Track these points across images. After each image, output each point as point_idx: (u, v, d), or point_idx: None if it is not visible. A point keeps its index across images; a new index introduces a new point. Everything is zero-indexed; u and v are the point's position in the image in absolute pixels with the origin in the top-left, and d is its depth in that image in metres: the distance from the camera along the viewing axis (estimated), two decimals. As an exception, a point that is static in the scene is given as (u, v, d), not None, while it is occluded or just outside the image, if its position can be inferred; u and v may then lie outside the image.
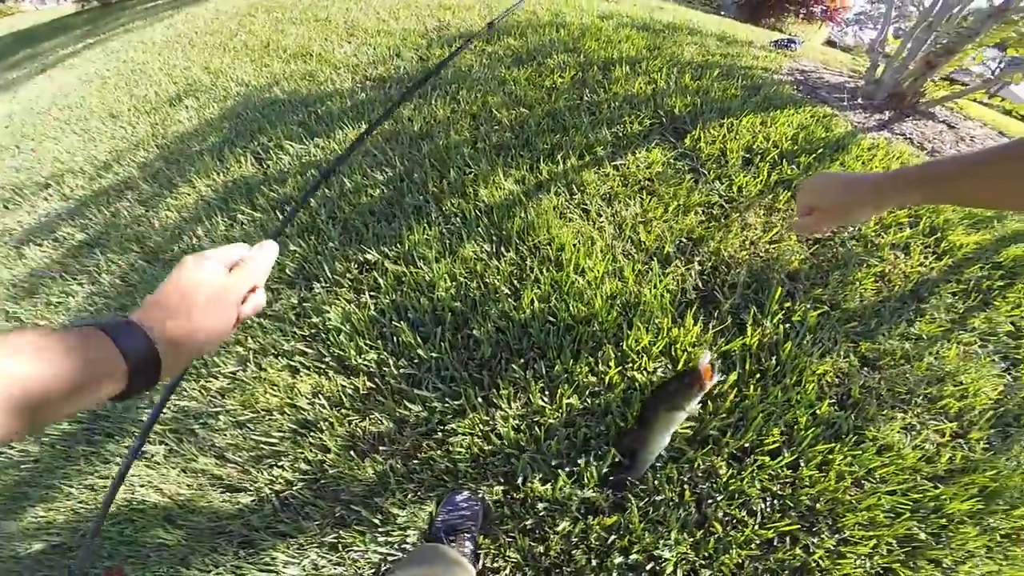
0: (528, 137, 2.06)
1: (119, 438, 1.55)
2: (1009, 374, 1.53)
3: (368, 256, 1.74)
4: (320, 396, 1.46)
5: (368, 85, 2.74)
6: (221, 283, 0.46)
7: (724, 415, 1.34)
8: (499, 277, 1.61)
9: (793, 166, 1.98)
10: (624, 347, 1.43)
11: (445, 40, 3.15)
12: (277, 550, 1.24)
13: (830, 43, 10.32)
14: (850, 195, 0.69)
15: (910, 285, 1.69)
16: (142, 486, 1.41)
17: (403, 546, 1.23)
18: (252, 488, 1.35)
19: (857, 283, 1.65)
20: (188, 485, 1.39)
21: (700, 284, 1.59)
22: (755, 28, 6.10)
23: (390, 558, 1.22)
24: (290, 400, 1.46)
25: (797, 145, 2.11)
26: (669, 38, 3.32)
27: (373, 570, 1.21)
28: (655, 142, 2.02)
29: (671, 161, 1.95)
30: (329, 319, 1.60)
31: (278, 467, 1.37)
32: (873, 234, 1.82)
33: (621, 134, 2.06)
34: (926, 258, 1.79)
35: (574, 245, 1.64)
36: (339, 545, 1.24)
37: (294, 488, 1.32)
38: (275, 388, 1.49)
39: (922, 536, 1.22)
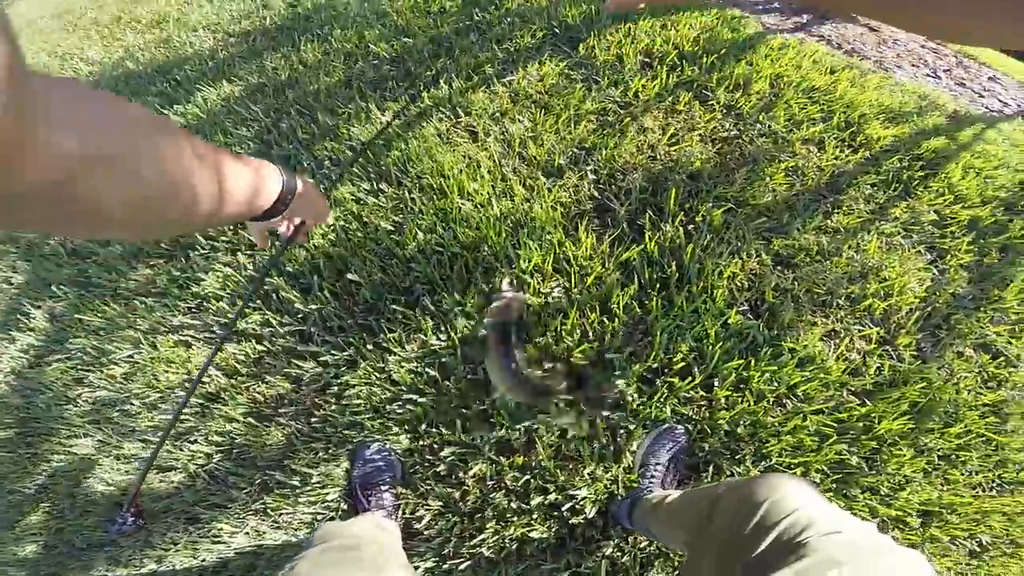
0: (409, 68, 1.86)
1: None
2: (935, 267, 1.48)
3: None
4: (215, 368, 1.38)
5: (231, 42, 2.45)
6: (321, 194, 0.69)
7: (622, 335, 1.24)
8: (379, 214, 1.45)
9: (694, 67, 1.86)
10: (516, 268, 1.30)
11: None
12: (219, 522, 1.26)
13: None
14: None
15: (825, 178, 1.61)
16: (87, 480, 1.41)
17: (326, 503, 1.23)
18: (180, 466, 1.34)
19: (767, 178, 1.56)
20: (125, 472, 1.39)
21: (595, 194, 1.47)
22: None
23: (320, 516, 1.23)
24: (188, 375, 1.41)
25: (699, 47, 1.98)
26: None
27: (308, 528, 1.22)
28: (548, 54, 1.85)
29: (565, 72, 1.80)
30: (208, 288, 1.48)
31: (194, 443, 1.34)
32: (784, 130, 1.72)
33: (512, 49, 1.88)
34: (842, 151, 1.70)
35: (459, 169, 1.49)
36: (268, 510, 1.24)
37: (214, 461, 1.32)
38: (172, 365, 1.43)
39: (853, 461, 1.15)
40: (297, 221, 0.69)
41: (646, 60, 1.88)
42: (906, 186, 1.64)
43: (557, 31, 1.96)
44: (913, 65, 2.80)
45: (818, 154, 1.68)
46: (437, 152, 1.57)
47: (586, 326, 1.29)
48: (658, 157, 1.56)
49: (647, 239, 1.37)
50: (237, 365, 1.38)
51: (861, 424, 1.19)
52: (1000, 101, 2.73)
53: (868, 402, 1.23)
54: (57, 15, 3.96)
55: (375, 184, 1.52)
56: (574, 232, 1.40)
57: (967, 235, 1.54)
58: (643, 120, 1.66)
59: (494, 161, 1.56)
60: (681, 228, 1.41)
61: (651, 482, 1.08)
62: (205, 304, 1.49)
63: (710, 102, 1.78)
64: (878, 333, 1.32)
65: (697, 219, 1.42)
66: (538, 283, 1.31)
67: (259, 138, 1.81)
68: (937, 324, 1.38)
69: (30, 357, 1.63)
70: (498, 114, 1.66)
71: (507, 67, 1.81)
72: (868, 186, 1.62)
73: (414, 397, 1.23)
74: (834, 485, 1.14)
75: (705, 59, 1.90)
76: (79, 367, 1.53)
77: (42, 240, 1.87)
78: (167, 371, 1.43)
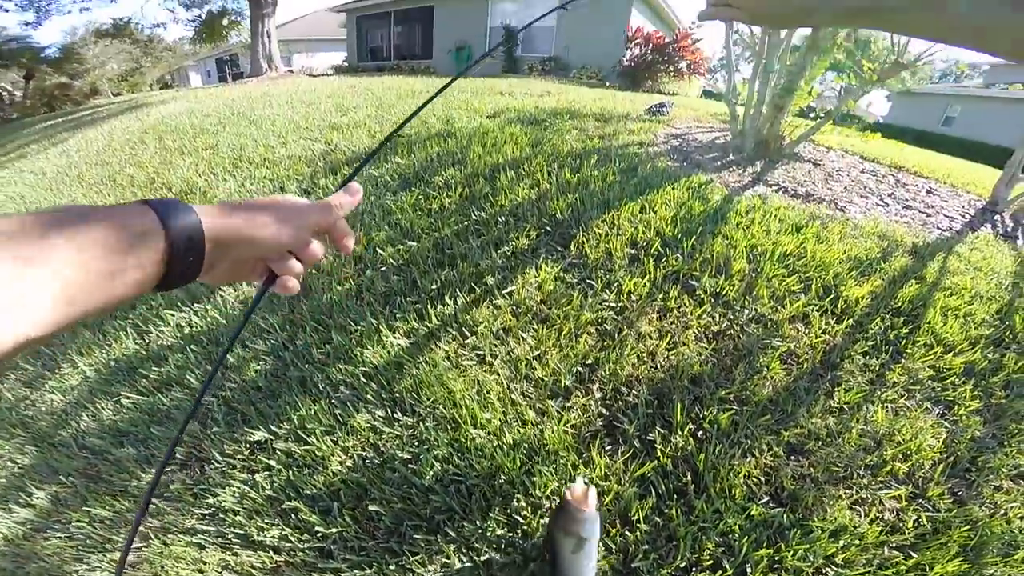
0: (415, 278, 2.01)
1: None
2: (945, 418, 1.53)
3: (257, 436, 1.60)
4: (228, 571, 1.34)
5: None
6: (296, 200, 0.46)
7: (647, 544, 1.26)
8: (395, 444, 1.50)
9: (677, 255, 2.03)
10: (534, 494, 1.34)
11: (331, 166, 3.15)
12: None
13: (706, 93, 11.42)
14: None
15: (818, 356, 1.69)
16: None
17: None
18: None
19: (764, 370, 1.64)
20: None
21: (603, 411, 1.54)
22: (636, 95, 6.62)
23: None
24: (201, 573, 1.35)
25: (678, 228, 2.18)
26: (551, 128, 3.49)
27: None
28: (543, 256, 2.02)
29: (560, 276, 1.95)
30: (224, 502, 1.48)
31: None
32: (770, 311, 1.85)
33: (509, 254, 2.06)
34: (827, 323, 1.81)
35: (470, 397, 1.57)
36: None
37: None
38: (183, 562, 1.38)
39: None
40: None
41: (632, 252, 2.05)
42: (895, 347, 1.73)
43: (548, 228, 2.15)
44: (861, 196, 3.08)
45: (806, 331, 1.78)
46: (448, 378, 1.64)
47: (607, 541, 1.30)
48: (659, 365, 1.65)
49: (659, 453, 1.42)
50: (253, 572, 1.34)
51: (912, 575, 1.17)
52: (946, 216, 2.99)
53: (914, 554, 1.21)
54: (100, 163, 4.24)
55: (390, 412, 1.58)
56: (587, 453, 1.45)
57: (967, 382, 1.60)
58: (639, 325, 1.77)
59: (503, 386, 1.62)
60: (691, 437, 1.46)
61: None
62: (221, 515, 1.48)
63: (697, 292, 1.90)
64: (907, 491, 1.33)
65: (705, 425, 1.48)
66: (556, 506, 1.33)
67: (275, 354, 1.89)
68: (965, 468, 1.39)
69: (27, 529, 1.58)
70: (502, 331, 1.76)
71: (507, 275, 1.96)
72: (860, 355, 1.69)
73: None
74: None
75: (685, 243, 2.09)
76: (80, 547, 1.48)
77: (53, 430, 1.87)
78: (176, 567, 1.38)
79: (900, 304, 1.91)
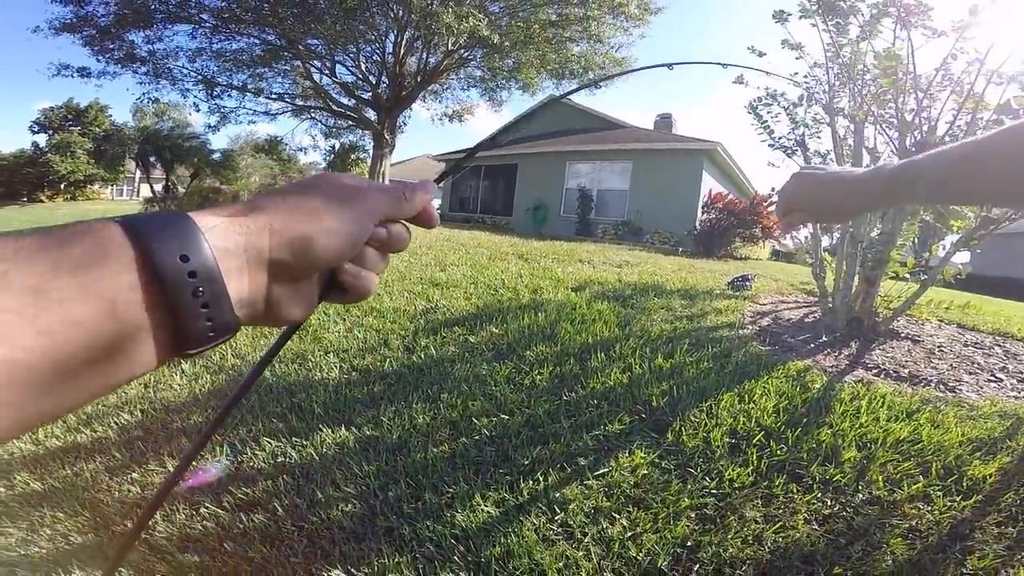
0: (507, 451, 2.06)
1: None
2: None
3: (333, 574, 1.58)
4: None
5: (354, 377, 2.88)
6: (358, 181, 0.33)
7: None
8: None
9: (782, 445, 1.95)
10: None
11: (432, 327, 3.46)
12: None
13: (775, 253, 11.50)
14: (824, 195, 0.67)
15: (945, 530, 1.56)
16: None
17: None
18: None
19: (884, 546, 1.50)
20: None
21: None
22: (713, 264, 6.90)
23: None
24: None
25: (780, 418, 2.11)
26: (638, 306, 3.68)
27: None
28: (636, 442, 2.01)
29: (655, 462, 1.91)
30: None
31: None
32: (886, 494, 1.72)
33: (602, 437, 2.07)
34: (952, 500, 1.68)
35: (558, 572, 1.49)
36: None
37: None
38: None
39: None
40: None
41: (732, 442, 1.99)
42: None
43: (643, 415, 2.17)
44: (970, 373, 2.82)
45: (928, 509, 1.65)
46: (536, 551, 1.59)
47: None
48: (766, 547, 1.52)
49: None
50: None
51: None
52: None
53: None
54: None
55: (474, 575, 1.53)
56: None
57: None
58: (744, 511, 1.67)
59: (593, 563, 1.55)
60: None
61: None
62: None
63: (804, 480, 1.80)
64: None
65: None
66: None
67: (364, 499, 1.92)
68: None
69: None
70: (593, 511, 1.72)
71: (599, 458, 1.96)
72: (993, 526, 1.56)
73: None
74: None
75: (790, 433, 2.00)
76: None
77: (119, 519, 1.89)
78: None
79: None
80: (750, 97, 3.68)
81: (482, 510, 1.80)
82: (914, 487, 1.73)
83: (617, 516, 1.71)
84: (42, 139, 38.51)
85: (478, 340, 3.13)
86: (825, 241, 4.05)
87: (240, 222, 0.26)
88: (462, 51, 15.91)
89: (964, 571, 1.42)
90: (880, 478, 1.78)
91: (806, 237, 3.90)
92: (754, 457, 1.89)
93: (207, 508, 1.98)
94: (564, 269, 5.44)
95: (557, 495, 1.81)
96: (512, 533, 1.68)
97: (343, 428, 2.42)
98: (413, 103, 17.35)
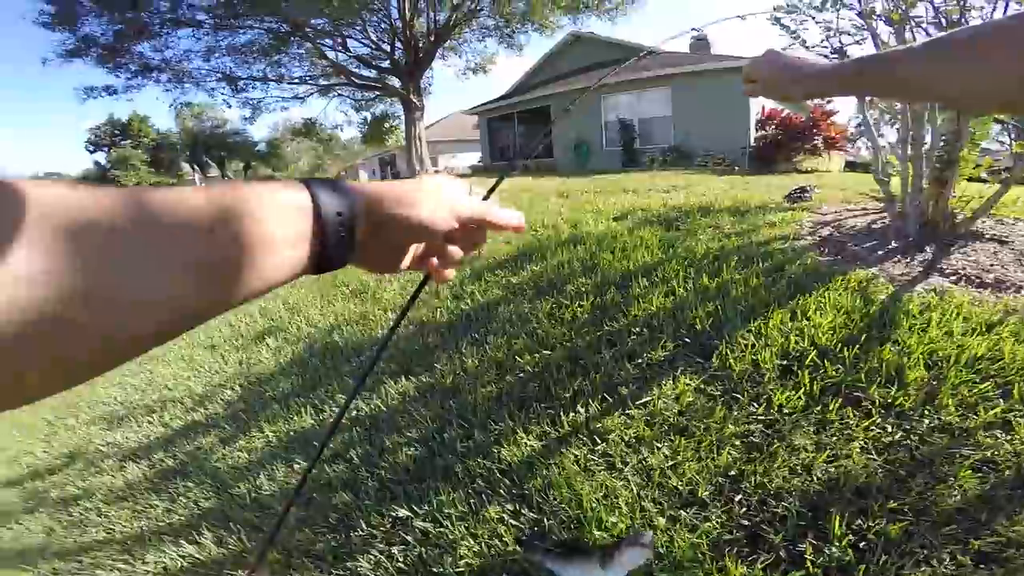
0: (549, 385, 2.10)
1: None
2: None
3: (400, 513, 1.75)
4: None
5: (410, 331, 3.02)
6: (444, 182, 0.44)
7: None
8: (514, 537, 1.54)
9: (838, 366, 1.84)
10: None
11: (476, 273, 3.50)
12: None
13: (849, 164, 10.53)
14: (774, 76, 0.72)
15: None
16: None
17: None
18: None
19: (951, 479, 1.40)
20: None
21: (744, 523, 1.41)
22: (771, 179, 6.37)
23: None
24: None
25: (836, 336, 1.99)
26: (683, 228, 3.51)
27: None
28: (680, 368, 1.98)
29: (700, 388, 1.88)
30: (361, 567, 1.61)
31: None
32: (958, 420, 1.57)
33: (644, 365, 2.05)
34: None
35: (596, 501, 1.56)
36: None
37: None
38: None
39: None
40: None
41: (784, 363, 1.91)
42: None
43: (687, 339, 2.12)
44: None
45: (1007, 438, 1.49)
46: (576, 482, 1.65)
47: None
48: (815, 477, 1.48)
49: (809, 563, 1.25)
50: None
51: None
52: None
53: None
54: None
55: (518, 507, 1.63)
56: (721, 560, 1.32)
57: None
58: (792, 438, 1.63)
59: (632, 492, 1.59)
60: (850, 548, 1.26)
61: None
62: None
63: (863, 404, 1.70)
64: None
65: (869, 536, 1.28)
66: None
67: (425, 443, 2.08)
68: None
69: (186, 563, 1.86)
70: (635, 440, 1.74)
71: (641, 386, 1.95)
72: None
73: None
74: None
75: (847, 352, 1.89)
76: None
77: (235, 482, 2.16)
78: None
79: None
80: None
81: (526, 444, 1.87)
82: (991, 412, 1.55)
83: (659, 445, 1.72)
84: (100, 156, 41.16)
85: (520, 280, 3.14)
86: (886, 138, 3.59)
87: (366, 195, 0.37)
88: (468, 2, 15.26)
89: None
90: (951, 402, 1.61)
91: (886, 146, 3.50)
92: (806, 379, 1.81)
93: (299, 463, 2.21)
94: (606, 200, 5.25)
95: (598, 426, 1.84)
96: (554, 465, 1.75)
97: (403, 378, 2.57)
98: (432, 63, 16.89)
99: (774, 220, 3.48)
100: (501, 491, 1.72)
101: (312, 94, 18.33)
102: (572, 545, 1.38)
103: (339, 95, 19.07)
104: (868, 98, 3.33)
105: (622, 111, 14.71)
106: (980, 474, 1.41)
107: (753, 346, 2.00)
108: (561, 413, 1.92)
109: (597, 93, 14.58)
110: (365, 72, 17.55)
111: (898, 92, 0.70)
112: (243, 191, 0.30)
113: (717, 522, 1.44)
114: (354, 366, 2.89)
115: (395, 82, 17.13)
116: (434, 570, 1.55)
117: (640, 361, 2.07)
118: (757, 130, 11.23)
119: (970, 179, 3.02)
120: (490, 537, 1.59)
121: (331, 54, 16.80)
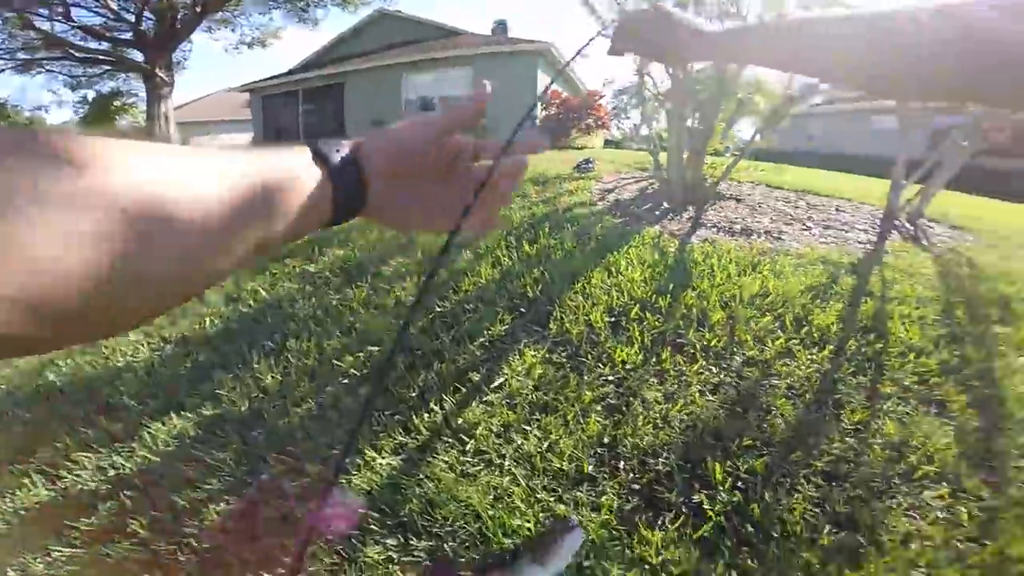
0: (388, 387, 1.77)
1: None
2: (943, 416, 1.56)
3: None
4: None
5: (169, 352, 2.27)
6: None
7: None
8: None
9: (658, 316, 1.97)
10: None
11: (254, 268, 2.84)
12: None
13: (607, 142, 12.38)
14: (679, 34, 0.67)
15: (815, 385, 1.67)
16: None
17: None
18: None
19: (773, 409, 1.58)
20: None
21: (635, 486, 1.39)
22: (556, 153, 6.94)
23: None
24: None
25: (649, 288, 2.13)
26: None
27: None
28: (523, 341, 1.87)
29: (547, 358, 1.80)
30: None
31: None
32: (757, 353, 1.80)
33: (487, 344, 1.88)
34: (810, 352, 1.79)
35: (490, 507, 1.35)
36: None
37: None
38: None
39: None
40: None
41: (612, 320, 1.95)
42: (876, 362, 1.76)
43: (522, 309, 2.02)
44: (787, 224, 3.27)
45: (795, 365, 1.77)
46: (459, 491, 1.40)
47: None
48: (676, 428, 1.54)
49: (710, 513, 1.30)
50: None
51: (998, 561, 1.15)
52: (860, 231, 3.24)
53: (988, 541, 1.20)
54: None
55: (402, 539, 1.31)
56: (636, 532, 1.27)
57: (946, 380, 1.66)
58: (643, 393, 1.66)
59: (522, 486, 1.42)
60: (735, 491, 1.35)
61: None
62: None
63: (686, 349, 1.84)
64: (947, 489, 1.33)
65: (743, 475, 1.38)
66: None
67: (235, 491, 1.54)
68: (983, 457, 1.42)
69: None
70: (503, 429, 1.57)
71: (491, 367, 1.78)
72: (850, 376, 1.71)
73: None
74: None
75: (662, 301, 2.03)
76: None
77: None
78: None
79: (865, 322, 1.97)
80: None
81: (381, 464, 1.52)
82: (777, 343, 1.83)
83: (528, 428, 1.58)
84: None
85: (320, 268, 2.64)
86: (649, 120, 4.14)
87: (363, 148, 0.36)
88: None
89: (845, 426, 1.53)
90: (748, 337, 1.86)
91: (633, 127, 4.00)
92: (636, 333, 1.88)
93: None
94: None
95: (460, 422, 1.61)
96: (425, 480, 1.45)
97: (174, 416, 1.87)
98: (191, 35, 14.17)
99: (571, 188, 3.69)
100: (372, 526, 1.36)
101: (3, 71, 14.05)
102: (494, 558, 1.15)
103: (48, 71, 15.18)
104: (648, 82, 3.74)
105: (423, 89, 14.43)
106: (790, 401, 1.62)
107: (583, 307, 2.01)
108: (413, 416, 1.62)
109: (397, 71, 14.07)
110: (94, 44, 14.03)
111: (798, 69, 0.68)
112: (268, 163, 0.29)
113: (613, 494, 1.38)
114: (89, 410, 2.02)
115: (137, 56, 13.94)
116: None
117: (482, 339, 1.89)
118: (543, 109, 12.18)
119: (715, 153, 3.68)
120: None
121: (46, 25, 13.07)
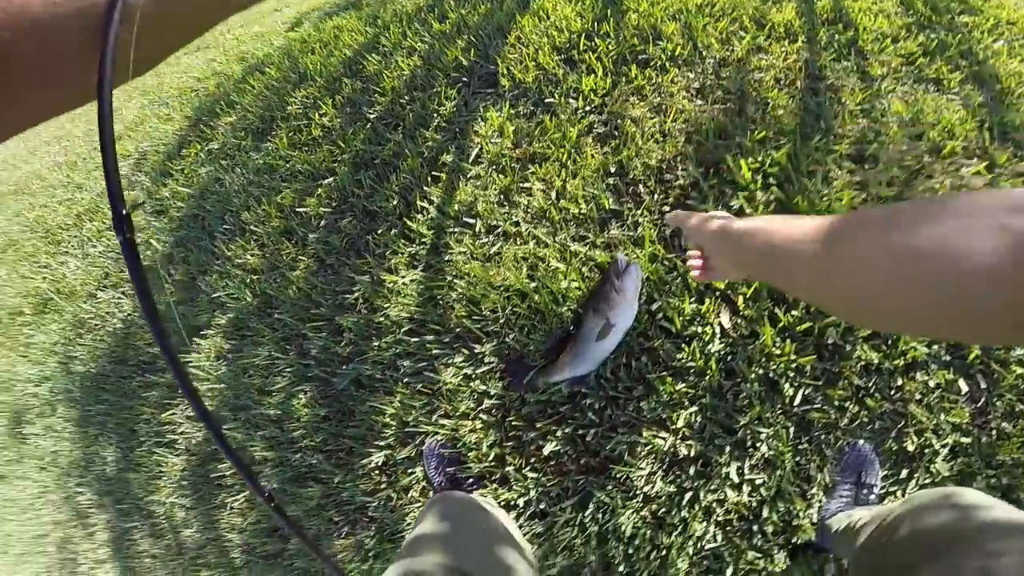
0: (364, 206, 1.62)
1: None
2: (943, 92, 1.52)
3: None
4: None
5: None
6: None
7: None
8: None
9: (608, 41, 1.78)
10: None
11: (159, 170, 2.41)
12: None
13: None
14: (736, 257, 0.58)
15: (802, 72, 1.59)
16: None
17: None
18: None
19: (769, 101, 1.52)
20: None
21: (666, 207, 1.38)
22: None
23: None
24: None
25: (588, 19, 1.91)
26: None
27: None
28: (480, 105, 1.69)
29: (513, 114, 1.66)
30: None
31: None
32: (727, 54, 1.68)
33: (444, 125, 1.70)
34: (783, 46, 1.68)
35: (530, 279, 1.34)
36: None
37: None
38: None
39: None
40: None
41: (565, 57, 1.78)
42: (854, 47, 1.68)
43: (464, 79, 1.80)
44: None
45: (771, 59, 1.68)
46: (490, 277, 1.37)
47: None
48: (679, 138, 1.48)
49: (753, 213, 1.30)
50: None
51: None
52: None
53: None
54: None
55: (466, 352, 1.34)
56: (666, 261, 1.31)
57: (933, 59, 1.62)
58: (631, 113, 1.57)
59: (550, 246, 1.39)
60: (773, 188, 1.35)
61: (841, 502, 1.06)
62: None
63: (653, 63, 1.70)
64: (983, 165, 1.33)
65: (770, 170, 1.37)
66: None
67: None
68: (1002, 131, 1.40)
69: None
70: (501, 196, 1.49)
71: (459, 145, 1.63)
72: (833, 62, 1.64)
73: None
74: None
75: (606, 27, 1.84)
76: None
77: None
78: None
79: (825, 15, 1.81)
80: None
81: (402, 283, 1.44)
82: (744, 41, 1.69)
83: (527, 184, 1.49)
84: None
85: (222, 142, 2.25)
86: None
87: None
88: None
89: (852, 107, 1.46)
90: (712, 41, 1.71)
91: None
92: (593, 60, 1.72)
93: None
94: (260, 25, 4.02)
95: (456, 207, 1.50)
96: (451, 276, 1.40)
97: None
98: None
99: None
100: (434, 351, 1.35)
101: None
102: (560, 336, 1.19)
103: None
104: None
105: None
106: (783, 90, 1.55)
107: (527, 55, 1.80)
108: (407, 222, 1.52)
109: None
110: None
111: None
112: None
113: (647, 222, 1.35)
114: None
115: None
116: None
117: (436, 122, 1.71)
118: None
119: None
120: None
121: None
